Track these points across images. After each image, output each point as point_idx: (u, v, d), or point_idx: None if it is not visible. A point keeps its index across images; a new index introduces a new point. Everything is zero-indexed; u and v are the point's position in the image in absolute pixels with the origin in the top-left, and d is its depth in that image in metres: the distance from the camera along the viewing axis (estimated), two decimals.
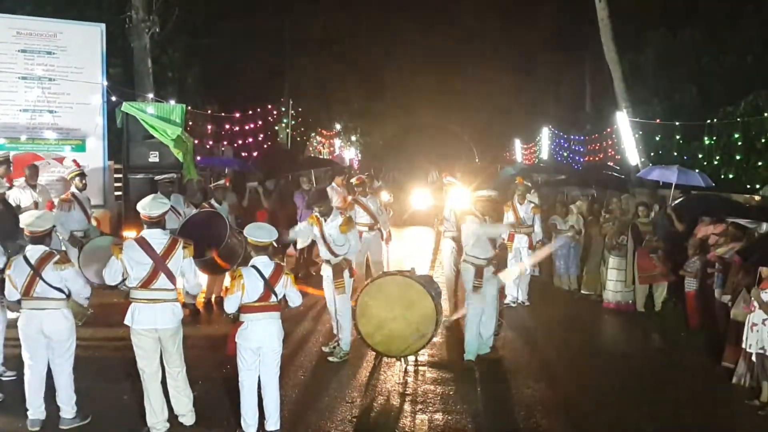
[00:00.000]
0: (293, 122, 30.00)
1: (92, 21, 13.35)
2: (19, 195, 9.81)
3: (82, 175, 10.35)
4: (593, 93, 32.42)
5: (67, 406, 6.20)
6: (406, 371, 8.04)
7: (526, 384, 7.76)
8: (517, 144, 42.94)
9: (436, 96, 40.49)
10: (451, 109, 41.71)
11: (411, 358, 8.23)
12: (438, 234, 10.69)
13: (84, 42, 12.62)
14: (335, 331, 8.53)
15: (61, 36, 12.41)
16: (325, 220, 8.19)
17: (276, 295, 5.94)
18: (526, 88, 40.58)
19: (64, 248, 9.10)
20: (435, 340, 8.56)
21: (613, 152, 24.96)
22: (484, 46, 38.58)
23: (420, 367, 8.19)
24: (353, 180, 11.18)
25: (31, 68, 12.16)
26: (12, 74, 12.00)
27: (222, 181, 11.10)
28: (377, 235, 11.03)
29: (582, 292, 12.25)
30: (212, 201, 10.66)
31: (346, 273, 8.23)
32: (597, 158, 27.72)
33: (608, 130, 24.24)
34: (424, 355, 8.47)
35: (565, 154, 33.07)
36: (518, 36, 37.00)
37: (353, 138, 44.92)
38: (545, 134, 36.33)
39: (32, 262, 6.02)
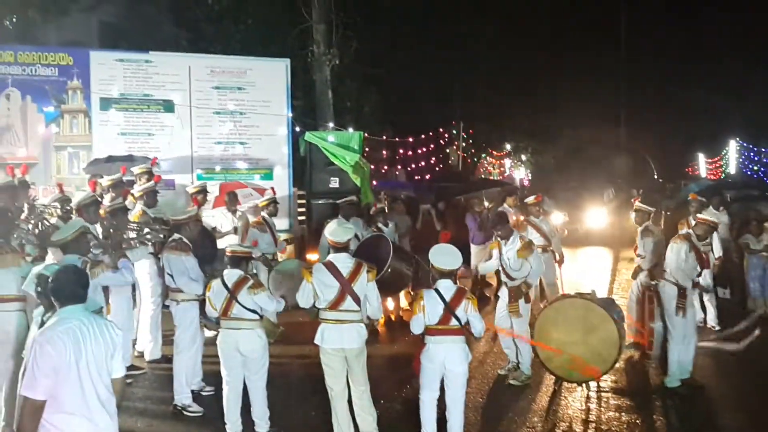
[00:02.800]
0: (464, 144, 30.23)
1: (277, 57, 14.10)
2: (220, 220, 10.67)
3: (275, 202, 11.06)
4: None
5: (262, 421, 6.56)
6: (588, 397, 7.82)
7: (721, 414, 7.35)
8: (701, 158, 40.70)
9: (609, 110, 39.24)
10: (625, 124, 40.18)
11: (593, 384, 8.00)
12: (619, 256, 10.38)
13: (270, 77, 13.40)
14: (508, 354, 8.50)
15: (250, 72, 13.23)
16: (505, 243, 8.21)
17: (458, 319, 5.96)
18: (707, 99, 38.43)
19: (255, 271, 9.69)
20: (617, 365, 8.27)
21: None
22: (661, 56, 37.07)
23: (603, 394, 7.94)
24: (530, 198, 11.08)
25: (224, 103, 13.06)
26: (207, 110, 12.96)
27: (381, 205, 11.50)
28: (550, 257, 10.86)
29: None
30: (379, 224, 10.98)
31: (523, 298, 8.17)
32: None
33: None
34: (606, 381, 8.21)
35: (756, 168, 31.02)
36: (697, 43, 35.23)
37: (524, 158, 44.44)
38: (732, 147, 34.28)
39: (229, 285, 6.45)
